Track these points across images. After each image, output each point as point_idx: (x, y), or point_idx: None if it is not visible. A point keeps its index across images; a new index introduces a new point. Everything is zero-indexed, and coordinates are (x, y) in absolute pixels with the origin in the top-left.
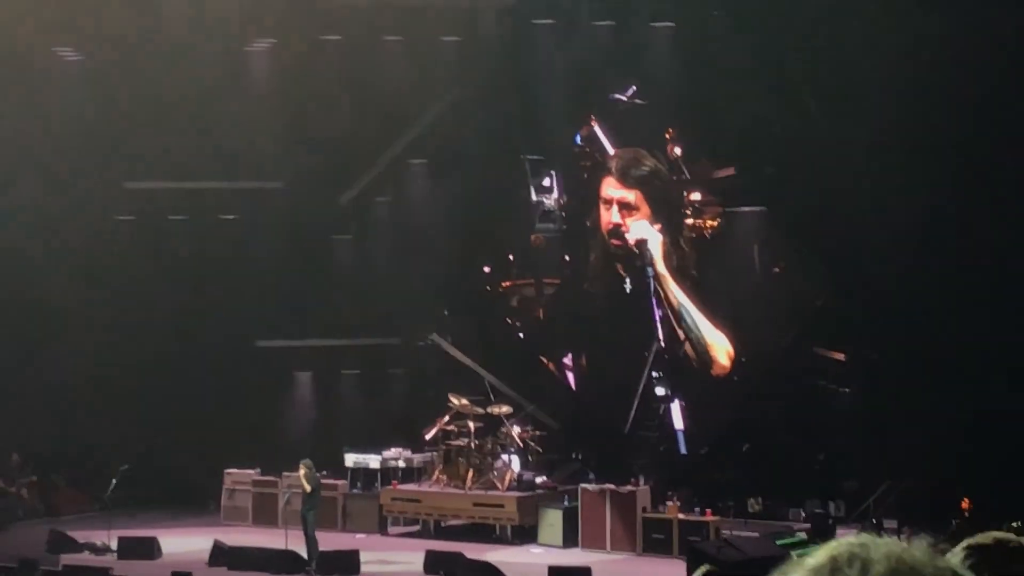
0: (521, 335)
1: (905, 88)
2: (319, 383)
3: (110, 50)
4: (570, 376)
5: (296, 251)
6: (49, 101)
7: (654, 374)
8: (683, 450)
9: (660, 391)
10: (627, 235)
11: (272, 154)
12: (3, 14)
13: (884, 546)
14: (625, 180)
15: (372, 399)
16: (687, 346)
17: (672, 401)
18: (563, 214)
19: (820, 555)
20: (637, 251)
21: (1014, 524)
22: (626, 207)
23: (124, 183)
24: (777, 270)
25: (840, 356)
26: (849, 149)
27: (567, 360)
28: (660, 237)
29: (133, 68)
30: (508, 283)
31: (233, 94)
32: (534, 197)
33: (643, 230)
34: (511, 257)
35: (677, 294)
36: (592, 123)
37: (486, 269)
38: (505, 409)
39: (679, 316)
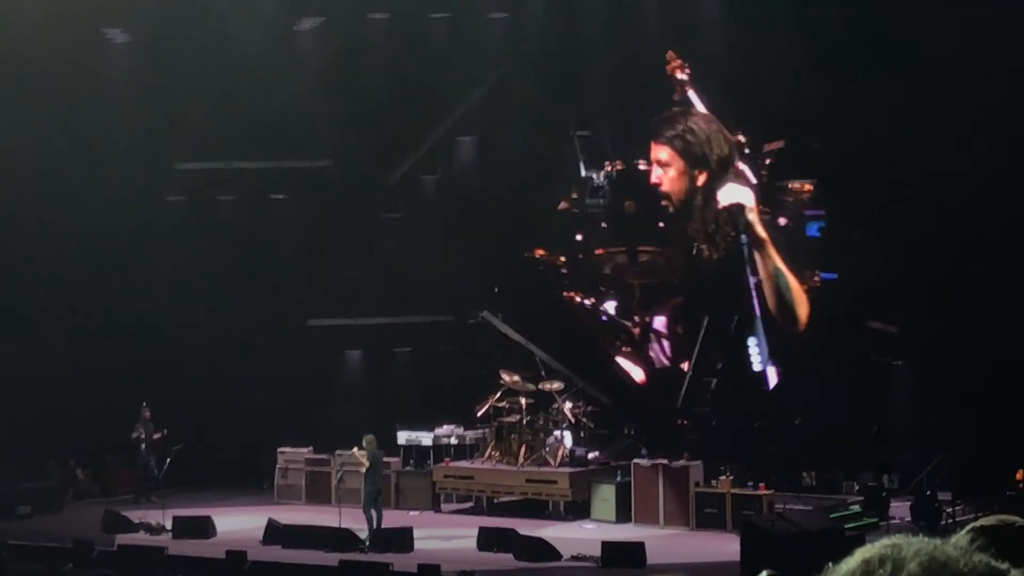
0: (613, 303)
1: (957, 58)
2: (370, 361)
3: (158, 31)
4: (664, 344)
5: (345, 230)
6: (98, 83)
7: (750, 345)
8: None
9: (757, 366)
10: (719, 199)
11: (320, 133)
12: None
13: (916, 545)
14: (658, 138)
15: (423, 377)
16: (776, 308)
17: (766, 372)
18: (611, 189)
19: (853, 560)
20: (729, 215)
21: None
22: (660, 164)
23: (174, 164)
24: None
25: (892, 329)
26: (899, 121)
27: (660, 327)
28: (752, 198)
29: (181, 49)
30: (601, 250)
31: (281, 73)
32: (583, 172)
33: (735, 194)
34: (604, 225)
35: (773, 257)
36: (688, 88)
37: (539, 251)
38: (556, 385)
39: (775, 278)
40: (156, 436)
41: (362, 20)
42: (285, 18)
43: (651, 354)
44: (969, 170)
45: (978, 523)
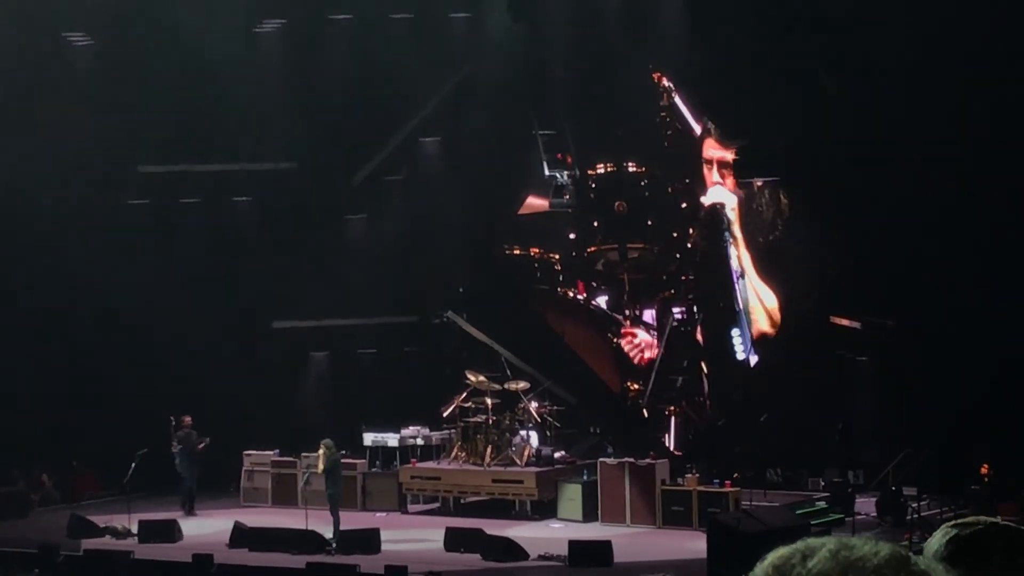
0: (604, 298)
1: (920, 55)
2: (336, 363)
3: (120, 35)
4: (653, 335)
5: (310, 232)
6: (59, 87)
7: (734, 336)
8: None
9: (740, 355)
10: (702, 199)
11: (283, 135)
12: (13, 1)
13: (824, 540)
14: (720, 137)
15: (389, 378)
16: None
17: (751, 363)
18: (575, 188)
19: (766, 562)
20: (712, 217)
21: None
22: (725, 166)
23: (137, 167)
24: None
25: (856, 325)
26: (861, 118)
27: (649, 319)
28: (735, 200)
29: (143, 52)
30: (593, 248)
31: (243, 76)
32: (547, 172)
33: (719, 194)
34: (595, 224)
35: (744, 257)
36: (674, 95)
37: (513, 248)
38: (522, 385)
39: (741, 277)
40: (200, 445)
41: (323, 22)
42: (246, 20)
43: (641, 345)
44: (932, 167)
45: (956, 523)
